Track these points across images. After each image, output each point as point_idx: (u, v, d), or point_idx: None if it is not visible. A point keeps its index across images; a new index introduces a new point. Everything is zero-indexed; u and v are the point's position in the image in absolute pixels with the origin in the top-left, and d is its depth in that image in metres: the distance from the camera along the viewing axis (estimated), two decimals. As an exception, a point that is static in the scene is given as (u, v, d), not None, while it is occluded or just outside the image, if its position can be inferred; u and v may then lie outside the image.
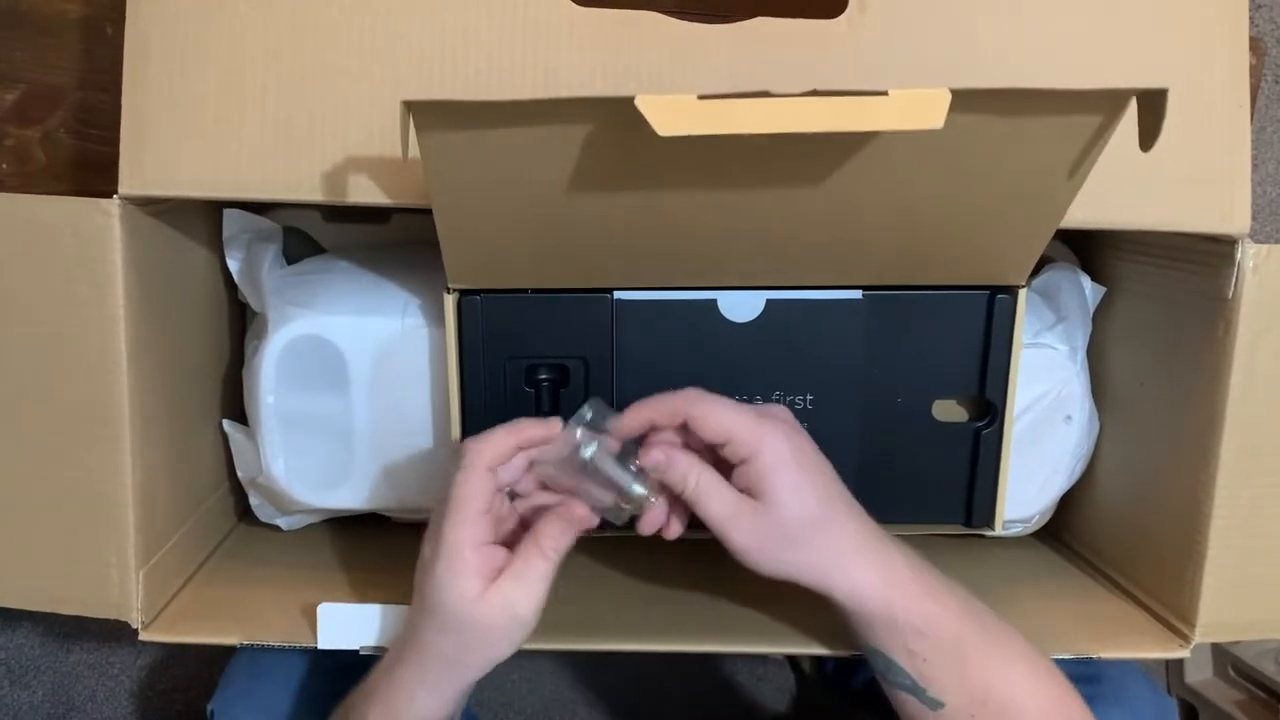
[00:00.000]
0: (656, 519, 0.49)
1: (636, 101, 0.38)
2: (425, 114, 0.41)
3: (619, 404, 0.54)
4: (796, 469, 0.47)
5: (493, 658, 0.48)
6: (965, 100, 0.38)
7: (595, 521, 0.48)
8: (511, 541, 0.48)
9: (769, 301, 0.53)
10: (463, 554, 0.45)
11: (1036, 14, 0.51)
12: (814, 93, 0.38)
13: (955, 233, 0.49)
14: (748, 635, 0.56)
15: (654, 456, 0.47)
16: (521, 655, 0.52)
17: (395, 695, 0.48)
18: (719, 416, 0.47)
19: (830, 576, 0.48)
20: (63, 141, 0.69)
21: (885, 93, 0.38)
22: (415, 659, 0.48)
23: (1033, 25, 0.51)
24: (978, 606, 0.50)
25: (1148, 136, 0.40)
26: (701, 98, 0.38)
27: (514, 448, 0.48)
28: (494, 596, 0.46)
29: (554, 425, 0.48)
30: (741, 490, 0.47)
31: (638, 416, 0.48)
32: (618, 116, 0.38)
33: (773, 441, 0.46)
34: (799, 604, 0.57)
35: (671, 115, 0.38)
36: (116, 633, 0.54)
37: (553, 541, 0.46)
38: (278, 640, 0.54)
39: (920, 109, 0.38)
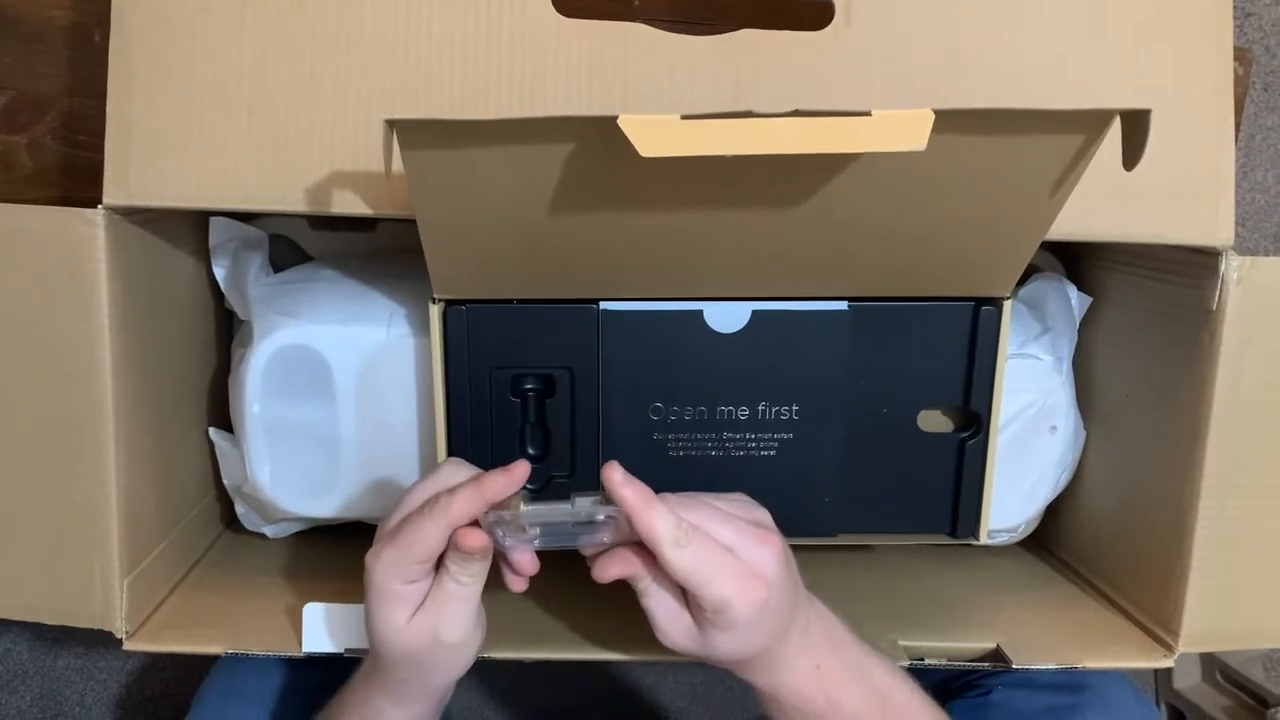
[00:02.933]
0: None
1: (620, 121, 0.37)
2: (408, 132, 0.40)
3: (605, 415, 0.55)
4: (751, 630, 0.44)
5: (444, 678, 0.48)
6: (948, 120, 0.38)
7: (484, 542, 0.44)
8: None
9: (755, 313, 0.53)
10: (387, 586, 0.45)
11: (1022, 26, 0.51)
12: (797, 113, 0.38)
13: (940, 247, 0.49)
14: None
15: (615, 566, 0.45)
16: (510, 664, 0.52)
17: (367, 711, 0.49)
18: (679, 566, 0.42)
19: (750, 678, 0.48)
20: (50, 148, 0.69)
21: (868, 113, 0.38)
22: (380, 679, 0.48)
23: (1018, 37, 0.51)
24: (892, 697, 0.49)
25: (1131, 157, 0.40)
26: (685, 118, 0.37)
27: (484, 507, 0.44)
28: (418, 624, 0.45)
29: (518, 471, 0.44)
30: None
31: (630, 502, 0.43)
32: (601, 135, 0.38)
33: (733, 607, 0.43)
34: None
35: (654, 135, 0.37)
36: (105, 638, 0.54)
37: (457, 568, 0.45)
38: (262, 650, 0.54)
39: (903, 130, 0.38)
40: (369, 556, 0.46)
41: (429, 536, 0.43)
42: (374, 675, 0.48)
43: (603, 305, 0.53)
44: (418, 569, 0.44)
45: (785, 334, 0.54)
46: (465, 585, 0.45)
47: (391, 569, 0.44)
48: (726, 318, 0.54)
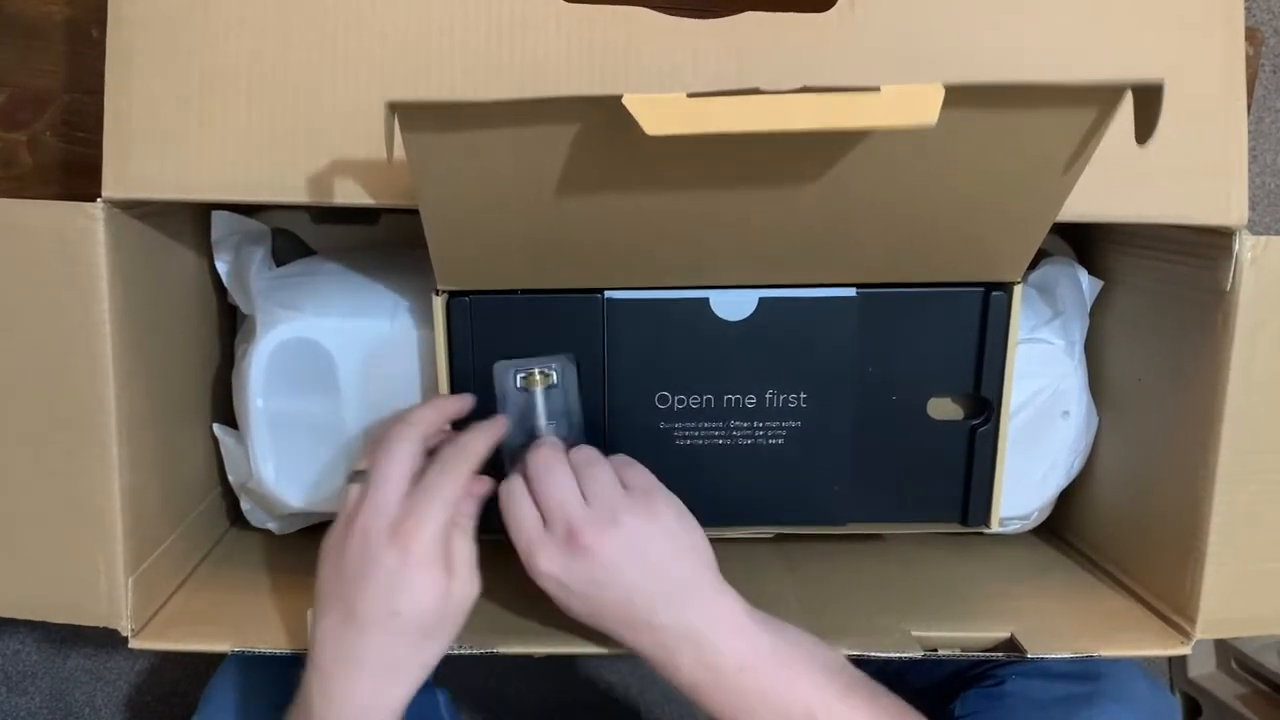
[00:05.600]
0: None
1: (624, 100, 0.37)
2: (410, 115, 0.40)
3: (611, 405, 0.54)
4: (542, 556, 0.48)
5: (443, 653, 0.48)
6: (958, 95, 0.37)
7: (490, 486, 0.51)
8: None
9: (762, 300, 0.53)
10: (435, 557, 0.46)
11: (1029, 5, 0.51)
12: (805, 89, 0.37)
13: (950, 229, 0.49)
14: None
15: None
16: (518, 659, 0.51)
17: (362, 713, 0.47)
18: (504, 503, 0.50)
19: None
20: (49, 145, 0.69)
21: (878, 89, 0.37)
22: (370, 672, 0.46)
23: (1025, 16, 0.51)
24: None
25: (1144, 130, 0.39)
26: (690, 96, 0.37)
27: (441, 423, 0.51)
28: (458, 587, 0.47)
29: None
30: None
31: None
32: (606, 115, 0.38)
33: (519, 535, 0.48)
34: (795, 606, 0.57)
35: (660, 114, 0.37)
36: (114, 638, 0.53)
37: (468, 518, 0.49)
38: (269, 647, 0.54)
39: (913, 105, 0.37)
40: (357, 544, 0.46)
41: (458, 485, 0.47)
42: (367, 666, 0.46)
43: (608, 294, 0.53)
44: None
45: (793, 321, 0.53)
46: (468, 530, 0.48)
47: (431, 527, 0.46)
48: (733, 305, 0.53)
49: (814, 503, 0.56)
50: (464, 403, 0.53)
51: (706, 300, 0.53)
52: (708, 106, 0.37)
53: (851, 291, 0.53)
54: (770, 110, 0.37)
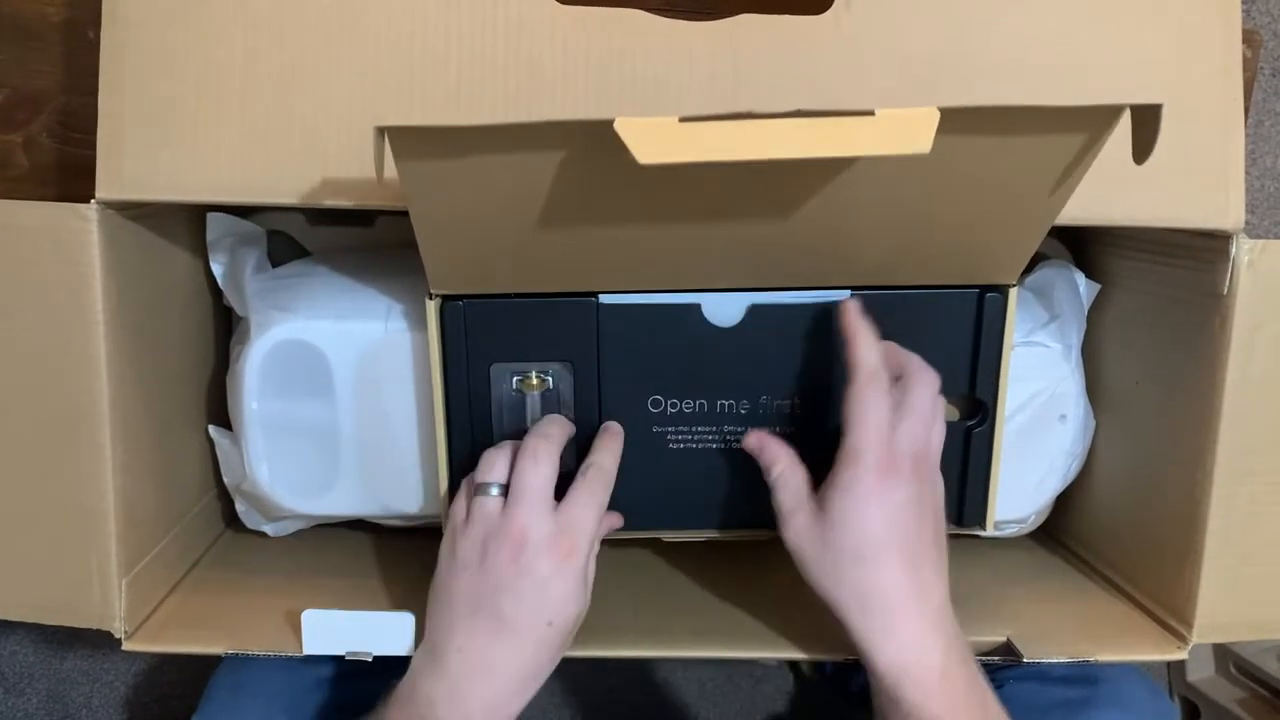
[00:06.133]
0: None
1: (616, 126, 0.37)
2: (400, 139, 0.40)
3: (603, 408, 0.54)
4: (865, 497, 0.46)
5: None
6: (953, 120, 0.37)
7: (620, 521, 0.55)
8: None
9: (751, 307, 0.53)
10: (588, 565, 0.49)
11: (1025, 9, 0.51)
12: (798, 113, 0.37)
13: (943, 240, 0.48)
14: (742, 641, 0.55)
15: (751, 439, 0.51)
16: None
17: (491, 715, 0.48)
18: (857, 403, 0.47)
19: (863, 631, 0.47)
20: (46, 146, 0.69)
21: (872, 112, 0.37)
22: (506, 677, 0.47)
23: (1021, 21, 0.51)
24: None
25: (1141, 150, 0.39)
26: (683, 120, 0.37)
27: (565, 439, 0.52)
28: (585, 599, 0.49)
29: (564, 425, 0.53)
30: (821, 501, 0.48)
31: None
32: (597, 140, 0.37)
33: (864, 459, 0.46)
34: (794, 608, 0.57)
35: (652, 141, 0.37)
36: (111, 640, 0.53)
37: (597, 544, 0.51)
38: (264, 649, 0.53)
39: (907, 131, 0.37)
40: (510, 551, 0.47)
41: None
42: (505, 672, 0.47)
43: (601, 298, 0.52)
44: None
45: (784, 327, 0.53)
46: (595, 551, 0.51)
47: (591, 547, 0.49)
48: (723, 311, 0.53)
49: None
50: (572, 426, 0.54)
51: (698, 306, 0.53)
52: (700, 132, 0.37)
53: (845, 294, 0.53)
54: (762, 137, 0.37)
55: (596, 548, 0.50)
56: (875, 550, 0.46)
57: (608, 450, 0.52)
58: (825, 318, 0.53)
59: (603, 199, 0.44)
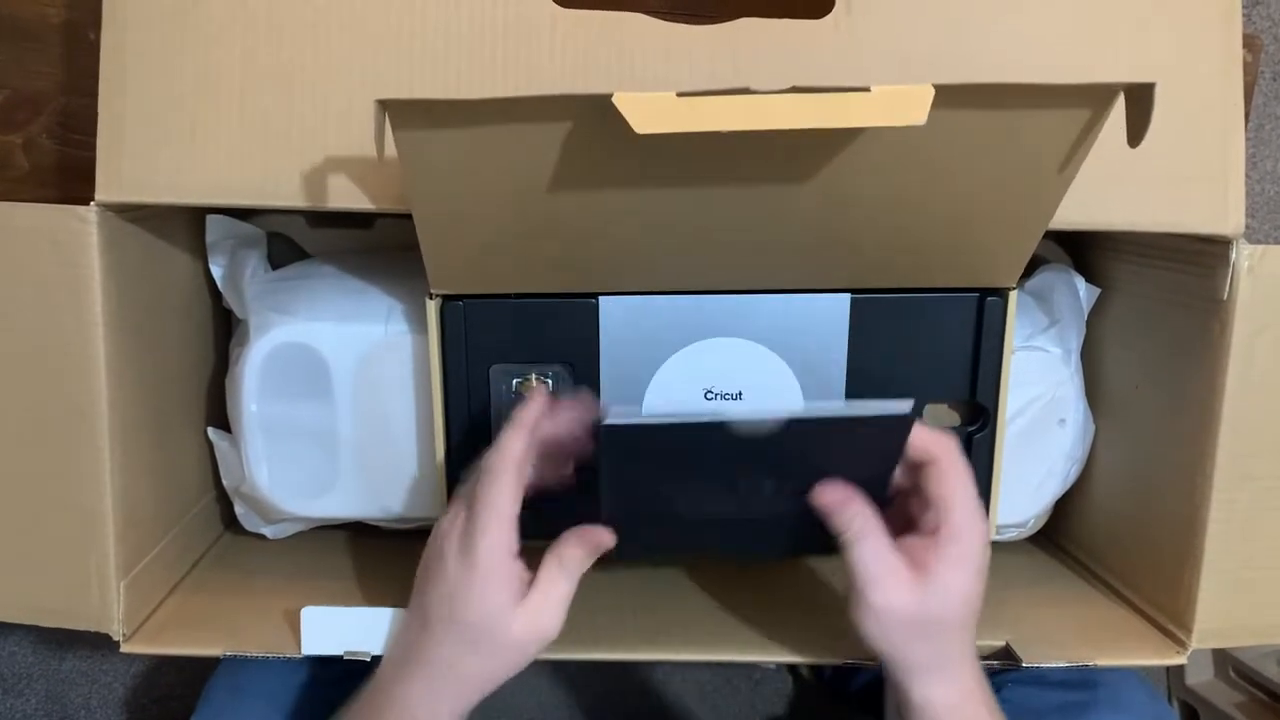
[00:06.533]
0: None
1: (614, 99, 0.37)
2: (401, 113, 0.40)
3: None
4: (973, 573, 0.46)
5: (509, 674, 0.47)
6: (949, 96, 0.37)
7: (612, 541, 0.48)
8: None
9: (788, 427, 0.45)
10: (500, 566, 0.44)
11: (1026, 11, 0.51)
12: (795, 89, 0.37)
13: (943, 233, 0.48)
14: (740, 644, 0.55)
15: (831, 494, 0.46)
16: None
17: (414, 715, 0.47)
18: (955, 484, 0.46)
19: (918, 678, 0.47)
20: (46, 147, 0.69)
21: (868, 88, 0.37)
22: (424, 675, 0.46)
23: (1023, 23, 0.51)
24: None
25: (1135, 132, 0.39)
26: (680, 95, 0.37)
27: (529, 443, 0.46)
28: (525, 614, 0.45)
29: (543, 401, 0.48)
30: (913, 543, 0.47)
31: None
32: (596, 114, 0.38)
33: (973, 537, 0.46)
34: (793, 611, 0.57)
35: (650, 113, 0.37)
36: (109, 641, 0.53)
37: (576, 564, 0.47)
38: (262, 651, 0.53)
39: (903, 104, 0.37)
40: (442, 546, 0.46)
41: (506, 478, 0.45)
42: (418, 673, 0.46)
43: (602, 299, 0.52)
44: (514, 530, 0.45)
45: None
46: (574, 580, 0.47)
47: (493, 537, 0.44)
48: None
49: (809, 536, 0.51)
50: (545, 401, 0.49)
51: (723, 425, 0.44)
52: (697, 105, 0.37)
53: (845, 297, 0.53)
54: (759, 109, 0.37)
55: (571, 568, 0.47)
56: (966, 619, 0.47)
57: (514, 433, 0.46)
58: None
59: (601, 179, 0.43)
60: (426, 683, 0.46)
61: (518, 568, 0.46)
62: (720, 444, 0.44)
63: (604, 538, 0.47)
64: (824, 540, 0.49)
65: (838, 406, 0.45)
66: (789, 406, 0.45)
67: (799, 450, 0.46)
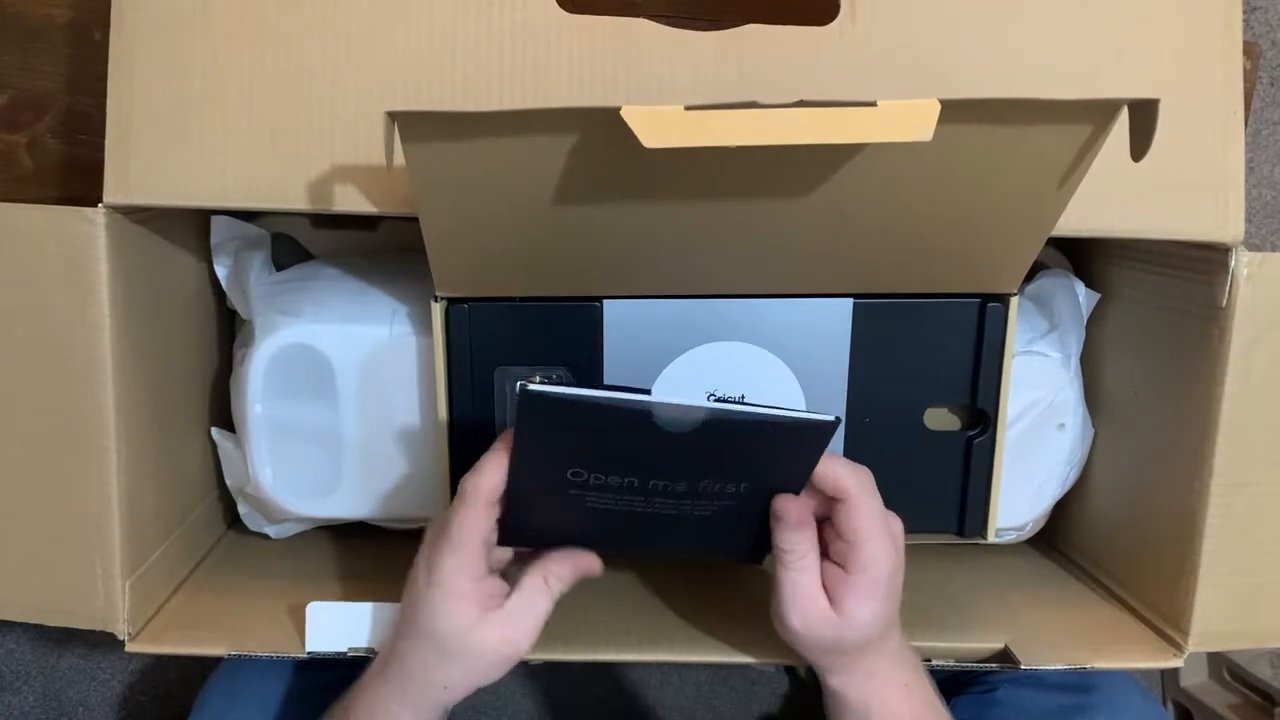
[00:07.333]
0: None
1: (623, 112, 0.37)
2: (410, 125, 0.40)
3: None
4: (883, 597, 0.47)
5: (481, 684, 0.48)
6: (954, 111, 0.38)
7: (600, 569, 0.49)
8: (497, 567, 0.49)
9: (706, 421, 0.43)
10: (459, 586, 0.45)
11: (1028, 20, 0.51)
12: (801, 103, 0.37)
13: (946, 241, 0.49)
14: (738, 646, 0.55)
15: (793, 511, 0.46)
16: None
17: (375, 713, 0.48)
18: (865, 519, 0.46)
19: (832, 676, 0.49)
20: (50, 147, 0.69)
21: (874, 103, 0.37)
22: (397, 679, 0.47)
23: (1025, 31, 0.51)
24: None
25: (1139, 147, 0.40)
26: (688, 108, 0.37)
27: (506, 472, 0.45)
28: (493, 628, 0.45)
29: None
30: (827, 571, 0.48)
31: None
32: (604, 127, 0.38)
33: (882, 566, 0.46)
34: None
35: (658, 126, 0.37)
36: (107, 639, 0.53)
37: (560, 582, 0.47)
38: (265, 651, 0.54)
39: (909, 120, 0.37)
40: (422, 556, 0.47)
41: (476, 509, 0.45)
42: (392, 676, 0.48)
43: (605, 302, 0.53)
44: (481, 555, 0.45)
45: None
46: (554, 596, 0.47)
47: (456, 561, 0.45)
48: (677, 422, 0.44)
49: (714, 541, 0.51)
50: None
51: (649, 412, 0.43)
52: (705, 120, 0.37)
53: (847, 302, 0.53)
54: (766, 124, 0.37)
55: (553, 586, 0.47)
56: (880, 634, 0.48)
57: (489, 466, 0.45)
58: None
59: (608, 191, 0.44)
60: (396, 686, 0.47)
61: (487, 585, 0.46)
62: (638, 432, 0.43)
63: (592, 563, 0.49)
64: (728, 547, 0.51)
65: (764, 410, 0.44)
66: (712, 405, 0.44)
67: (717, 448, 0.45)
